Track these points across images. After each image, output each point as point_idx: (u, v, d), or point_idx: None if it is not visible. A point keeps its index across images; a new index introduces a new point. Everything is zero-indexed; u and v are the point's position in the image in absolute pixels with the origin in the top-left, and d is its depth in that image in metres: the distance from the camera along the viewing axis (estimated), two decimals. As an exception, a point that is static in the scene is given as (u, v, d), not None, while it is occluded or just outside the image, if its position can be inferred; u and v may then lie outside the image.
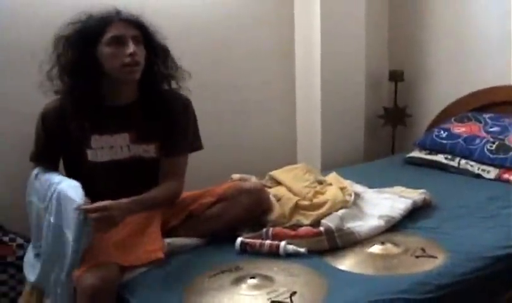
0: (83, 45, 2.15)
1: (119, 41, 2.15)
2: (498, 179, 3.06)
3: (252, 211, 2.36)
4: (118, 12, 2.21)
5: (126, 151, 2.27)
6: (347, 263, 2.10)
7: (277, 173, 2.77)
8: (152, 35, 2.27)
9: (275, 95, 3.74)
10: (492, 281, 2.11)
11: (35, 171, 2.30)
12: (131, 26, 2.19)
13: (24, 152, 2.43)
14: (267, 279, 1.93)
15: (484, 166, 3.15)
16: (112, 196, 2.06)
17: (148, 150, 2.30)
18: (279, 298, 1.80)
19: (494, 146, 3.17)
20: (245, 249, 2.18)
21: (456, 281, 1.97)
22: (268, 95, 3.70)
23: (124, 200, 2.07)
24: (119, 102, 2.26)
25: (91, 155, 2.24)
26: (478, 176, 3.14)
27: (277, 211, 2.41)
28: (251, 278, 1.92)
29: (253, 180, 2.69)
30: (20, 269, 2.49)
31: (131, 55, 2.14)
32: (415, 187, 2.76)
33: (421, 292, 1.88)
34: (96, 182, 2.22)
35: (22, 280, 2.42)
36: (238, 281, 1.92)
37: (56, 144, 2.29)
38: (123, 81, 2.21)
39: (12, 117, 2.69)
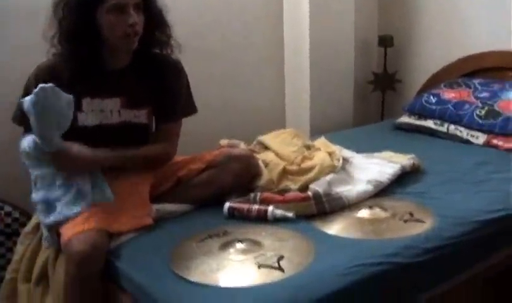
0: (83, 10, 2.09)
1: (120, 9, 2.09)
2: (487, 145, 3.05)
3: (241, 177, 2.35)
4: None
5: (117, 116, 2.24)
6: (335, 228, 2.10)
7: (265, 138, 2.76)
8: (152, 2, 2.22)
9: (263, 60, 3.71)
10: (479, 246, 2.12)
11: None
12: None
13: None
14: (255, 243, 1.94)
15: (473, 132, 3.15)
16: None
17: (139, 116, 2.28)
18: (267, 263, 1.80)
19: (483, 111, 3.16)
20: (233, 214, 2.18)
21: (443, 245, 1.98)
22: (256, 60, 3.67)
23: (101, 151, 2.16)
24: (111, 66, 2.23)
25: (81, 119, 2.20)
26: (467, 141, 3.14)
27: (265, 176, 2.40)
28: (238, 242, 1.93)
29: (241, 146, 2.68)
30: (9, 236, 2.49)
31: (131, 25, 2.10)
32: (404, 152, 2.75)
33: (409, 256, 1.88)
34: (84, 142, 2.18)
35: (11, 248, 2.41)
36: (226, 245, 1.93)
37: None
38: (120, 48, 2.19)
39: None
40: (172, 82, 2.32)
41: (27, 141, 2.12)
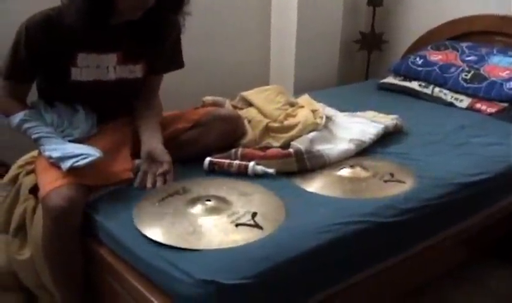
0: None
1: None
2: (470, 108, 3.06)
3: (227, 137, 2.33)
4: None
5: (112, 72, 2.18)
6: (315, 185, 2.09)
7: (248, 94, 2.72)
8: None
9: (249, 16, 3.67)
10: (457, 208, 2.14)
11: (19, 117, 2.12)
12: None
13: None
14: (222, 200, 1.91)
15: (457, 95, 3.15)
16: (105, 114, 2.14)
17: (134, 70, 2.24)
18: (242, 221, 1.79)
19: (469, 75, 3.15)
20: (213, 169, 2.16)
21: (421, 206, 1.99)
22: (243, 16, 3.63)
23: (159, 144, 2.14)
24: (114, 21, 2.12)
25: (74, 74, 2.12)
26: (451, 104, 3.14)
27: (250, 136, 2.38)
28: (206, 200, 1.89)
29: (226, 105, 2.65)
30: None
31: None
32: (387, 112, 2.76)
33: (387, 216, 1.89)
34: (75, 102, 2.17)
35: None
36: (191, 203, 1.88)
37: (36, 61, 2.09)
38: (123, 14, 2.08)
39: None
40: (167, 36, 2.27)
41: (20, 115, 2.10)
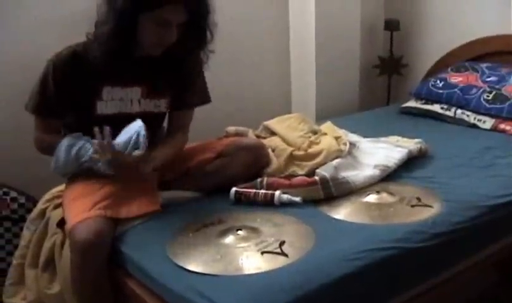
0: (134, 8, 1.98)
1: (163, 24, 2.01)
2: (494, 129, 3.04)
3: (251, 167, 2.33)
4: None
5: (137, 105, 2.21)
6: (342, 212, 2.09)
7: (271, 123, 2.73)
8: (200, 21, 2.12)
9: (269, 45, 3.69)
10: (486, 230, 2.11)
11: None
12: (185, 11, 2.02)
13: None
14: (253, 230, 1.92)
15: (480, 116, 3.13)
16: None
17: (159, 105, 2.26)
18: (269, 249, 1.79)
19: (491, 95, 3.14)
20: (240, 199, 2.16)
21: (450, 230, 1.97)
22: (262, 45, 3.65)
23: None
24: (136, 55, 2.16)
25: (100, 107, 2.15)
26: (474, 126, 3.12)
27: (274, 165, 2.38)
28: (237, 230, 1.90)
29: (250, 134, 2.65)
30: (15, 222, 2.50)
31: (165, 40, 2.06)
32: (410, 136, 2.74)
33: (416, 241, 1.88)
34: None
35: (18, 234, 2.41)
36: (223, 234, 1.89)
37: (65, 96, 2.11)
38: (144, 50, 2.12)
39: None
40: (191, 71, 2.29)
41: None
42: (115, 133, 2.13)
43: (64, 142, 2.10)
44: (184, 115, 2.35)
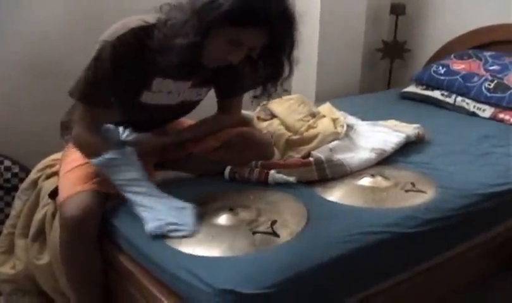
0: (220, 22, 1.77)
1: (235, 44, 1.83)
2: (493, 118, 3.03)
3: (256, 160, 2.25)
4: (267, 17, 1.77)
5: (182, 96, 2.11)
6: (335, 194, 2.07)
7: (272, 105, 2.70)
8: (280, 53, 1.92)
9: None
10: (479, 218, 2.11)
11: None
12: (265, 37, 1.83)
13: (21, 76, 2.39)
14: (245, 209, 1.89)
15: (480, 105, 3.12)
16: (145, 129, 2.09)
17: (201, 93, 2.19)
18: (260, 229, 1.77)
19: (492, 84, 3.12)
20: (234, 177, 2.15)
21: (443, 217, 1.96)
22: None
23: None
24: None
25: (145, 97, 2.01)
26: (474, 114, 3.11)
27: (276, 156, 2.35)
28: (230, 210, 1.87)
29: (255, 122, 2.58)
30: (8, 191, 2.49)
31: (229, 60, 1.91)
32: (409, 121, 2.73)
33: (408, 226, 1.86)
34: (134, 118, 2.11)
35: (10, 203, 2.40)
36: (216, 213, 1.86)
37: (118, 83, 1.91)
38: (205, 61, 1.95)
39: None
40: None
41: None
42: (149, 119, 2.11)
43: (101, 160, 1.89)
44: (231, 101, 2.27)
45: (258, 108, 2.71)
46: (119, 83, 1.90)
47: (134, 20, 1.89)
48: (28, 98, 2.72)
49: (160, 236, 1.75)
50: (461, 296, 2.39)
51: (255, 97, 2.09)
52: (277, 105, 2.69)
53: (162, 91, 2.03)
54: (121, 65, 1.86)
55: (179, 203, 1.87)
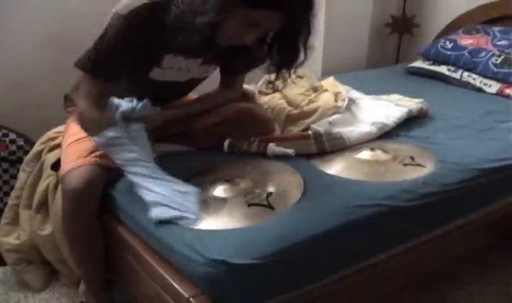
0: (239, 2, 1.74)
1: (251, 25, 1.80)
2: (499, 94, 3.00)
3: (256, 136, 2.24)
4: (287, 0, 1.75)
5: (191, 73, 2.11)
6: (334, 167, 2.07)
7: (273, 78, 2.69)
8: (296, 38, 1.89)
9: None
10: (478, 193, 2.10)
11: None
12: (281, 20, 1.79)
13: (29, 49, 2.39)
14: (242, 181, 1.90)
15: (486, 80, 3.09)
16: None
17: (208, 70, 2.18)
18: (256, 201, 1.78)
19: (500, 59, 3.09)
20: (233, 151, 2.16)
21: (440, 191, 1.95)
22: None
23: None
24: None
25: (155, 73, 2.01)
26: (480, 90, 3.09)
27: (277, 132, 2.35)
28: (226, 181, 1.88)
29: (256, 97, 2.53)
30: (13, 163, 2.52)
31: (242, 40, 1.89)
32: (414, 97, 2.71)
33: (404, 200, 1.86)
34: (140, 94, 2.06)
35: (15, 175, 2.43)
36: (212, 184, 1.87)
37: (130, 56, 1.88)
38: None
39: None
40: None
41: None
42: (156, 94, 2.07)
43: (106, 136, 1.85)
44: (236, 77, 2.29)
45: (261, 82, 2.71)
46: (129, 57, 1.88)
47: None
48: (34, 71, 2.74)
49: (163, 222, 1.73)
50: (458, 270, 2.42)
51: (269, 82, 2.13)
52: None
53: (172, 68, 2.02)
54: (133, 40, 1.83)
55: (184, 187, 1.82)
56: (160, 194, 1.76)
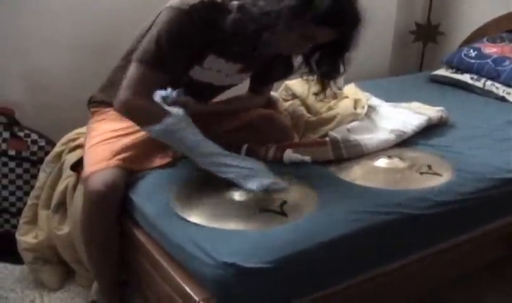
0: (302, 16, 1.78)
1: (308, 39, 1.88)
2: (522, 103, 2.97)
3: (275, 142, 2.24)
4: (345, 20, 1.85)
5: (227, 79, 2.14)
6: (350, 175, 2.07)
7: (292, 84, 2.69)
8: (342, 51, 2.02)
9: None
10: (494, 203, 2.08)
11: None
12: (334, 35, 1.89)
13: (48, 52, 2.41)
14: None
15: (510, 89, 3.06)
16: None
17: (243, 78, 2.22)
18: (270, 207, 1.78)
19: (524, 68, 3.06)
20: (250, 155, 2.15)
21: (455, 200, 1.94)
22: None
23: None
24: None
25: (195, 71, 2.03)
26: (503, 99, 3.06)
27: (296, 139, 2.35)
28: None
29: (279, 104, 2.55)
30: (34, 164, 2.55)
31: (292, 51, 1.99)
32: (435, 105, 2.69)
33: (418, 208, 1.85)
34: (175, 89, 2.07)
35: (36, 175, 2.46)
36: (228, 188, 1.86)
37: (187, 51, 1.91)
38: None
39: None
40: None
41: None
42: (189, 94, 2.08)
43: (171, 121, 1.85)
44: (267, 85, 2.37)
45: (280, 89, 2.72)
46: (187, 52, 1.91)
47: None
48: (55, 73, 2.78)
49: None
50: (475, 280, 2.39)
51: (315, 94, 2.21)
52: (298, 85, 2.68)
53: (212, 69, 2.04)
54: (193, 34, 1.86)
55: (254, 161, 1.90)
56: (246, 168, 1.84)
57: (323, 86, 2.15)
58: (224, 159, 1.86)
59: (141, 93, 1.86)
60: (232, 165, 1.85)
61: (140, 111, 1.89)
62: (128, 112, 1.91)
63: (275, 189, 1.81)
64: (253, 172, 1.83)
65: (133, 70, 1.88)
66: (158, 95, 1.93)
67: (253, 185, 1.79)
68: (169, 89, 1.98)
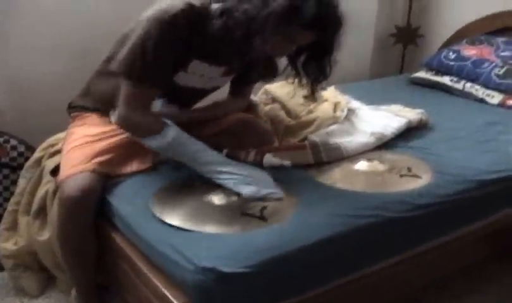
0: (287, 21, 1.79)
1: (289, 41, 1.88)
2: (501, 105, 2.99)
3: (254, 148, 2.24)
4: (327, 23, 1.85)
5: (210, 82, 2.14)
6: (330, 178, 2.07)
7: (272, 88, 2.69)
8: (325, 54, 2.02)
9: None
10: (474, 205, 2.09)
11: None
12: (314, 38, 1.89)
13: (29, 57, 2.40)
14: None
15: (489, 91, 3.08)
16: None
17: (226, 80, 2.22)
18: (250, 212, 1.79)
19: (502, 71, 3.08)
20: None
21: (435, 202, 1.95)
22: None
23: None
24: None
25: (179, 77, 2.02)
26: (482, 101, 3.08)
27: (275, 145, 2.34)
28: (222, 188, 1.89)
29: (259, 109, 2.53)
30: (14, 170, 2.53)
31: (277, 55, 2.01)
32: (416, 107, 2.70)
33: (398, 211, 1.86)
34: (160, 96, 2.12)
35: (16, 181, 2.44)
36: (208, 192, 1.88)
37: (171, 61, 1.91)
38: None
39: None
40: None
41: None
42: (172, 99, 2.13)
43: (171, 134, 1.91)
44: (247, 87, 2.35)
45: (260, 92, 2.72)
46: (168, 64, 1.90)
47: (177, 1, 1.86)
48: (35, 78, 2.76)
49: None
50: (455, 281, 2.40)
51: (304, 97, 2.32)
52: (278, 89, 2.68)
53: (196, 74, 2.04)
54: (177, 44, 1.86)
55: (254, 169, 1.98)
56: (243, 175, 1.90)
57: (313, 90, 2.16)
58: (226, 167, 1.91)
59: (136, 108, 1.89)
60: (233, 172, 1.89)
61: (138, 126, 1.93)
62: (128, 127, 1.96)
63: (271, 199, 1.86)
64: (252, 180, 1.89)
65: (124, 87, 1.89)
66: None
67: (248, 190, 1.84)
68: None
